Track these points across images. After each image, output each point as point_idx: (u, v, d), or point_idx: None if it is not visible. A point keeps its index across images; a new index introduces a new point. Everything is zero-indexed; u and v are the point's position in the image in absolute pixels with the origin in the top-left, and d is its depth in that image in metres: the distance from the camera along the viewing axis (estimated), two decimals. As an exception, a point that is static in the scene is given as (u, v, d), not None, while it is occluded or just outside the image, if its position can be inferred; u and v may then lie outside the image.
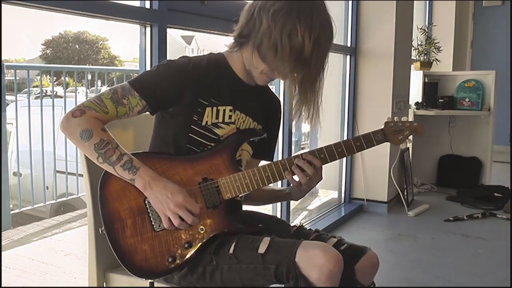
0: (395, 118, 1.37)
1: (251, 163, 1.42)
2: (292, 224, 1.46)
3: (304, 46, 1.16)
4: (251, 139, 1.37)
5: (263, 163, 1.36)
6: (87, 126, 1.18)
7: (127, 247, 1.21)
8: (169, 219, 1.18)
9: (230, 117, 1.32)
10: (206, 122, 1.29)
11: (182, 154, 1.29)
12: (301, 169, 1.28)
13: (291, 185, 1.35)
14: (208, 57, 1.34)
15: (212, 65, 1.31)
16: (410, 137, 1.37)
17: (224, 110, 1.31)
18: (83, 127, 1.18)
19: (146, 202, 1.22)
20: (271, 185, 1.32)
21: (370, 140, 1.32)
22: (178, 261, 1.22)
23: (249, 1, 1.26)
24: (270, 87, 1.50)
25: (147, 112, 1.29)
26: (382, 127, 1.35)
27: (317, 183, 1.34)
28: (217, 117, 1.30)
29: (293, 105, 1.26)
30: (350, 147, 1.31)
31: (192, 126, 1.28)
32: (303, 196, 1.42)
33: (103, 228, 1.23)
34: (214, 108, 1.29)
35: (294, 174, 1.29)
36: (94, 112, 1.20)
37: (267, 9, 1.18)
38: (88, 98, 1.26)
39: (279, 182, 1.40)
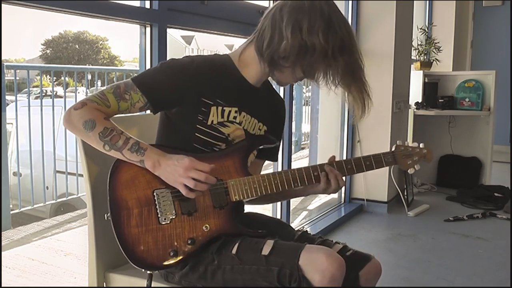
0: (405, 143, 1.43)
1: (255, 163, 1.42)
2: (292, 226, 1.47)
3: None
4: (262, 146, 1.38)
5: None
6: (89, 117, 1.18)
7: (131, 236, 1.20)
8: (185, 185, 1.17)
9: (235, 118, 1.31)
10: (212, 121, 1.28)
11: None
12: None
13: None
14: (212, 57, 1.33)
15: (217, 65, 1.30)
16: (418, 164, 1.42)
17: (230, 111, 1.30)
18: (85, 118, 1.18)
19: (154, 194, 1.22)
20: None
21: (380, 160, 1.38)
22: (179, 256, 1.21)
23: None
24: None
25: (149, 111, 1.28)
26: (392, 149, 1.41)
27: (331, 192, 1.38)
28: (222, 116, 1.29)
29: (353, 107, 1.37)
30: (359, 165, 1.36)
31: (198, 125, 1.27)
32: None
33: (109, 214, 1.21)
34: (220, 108, 1.29)
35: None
36: (96, 104, 1.20)
37: (315, 31, 1.19)
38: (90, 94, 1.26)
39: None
